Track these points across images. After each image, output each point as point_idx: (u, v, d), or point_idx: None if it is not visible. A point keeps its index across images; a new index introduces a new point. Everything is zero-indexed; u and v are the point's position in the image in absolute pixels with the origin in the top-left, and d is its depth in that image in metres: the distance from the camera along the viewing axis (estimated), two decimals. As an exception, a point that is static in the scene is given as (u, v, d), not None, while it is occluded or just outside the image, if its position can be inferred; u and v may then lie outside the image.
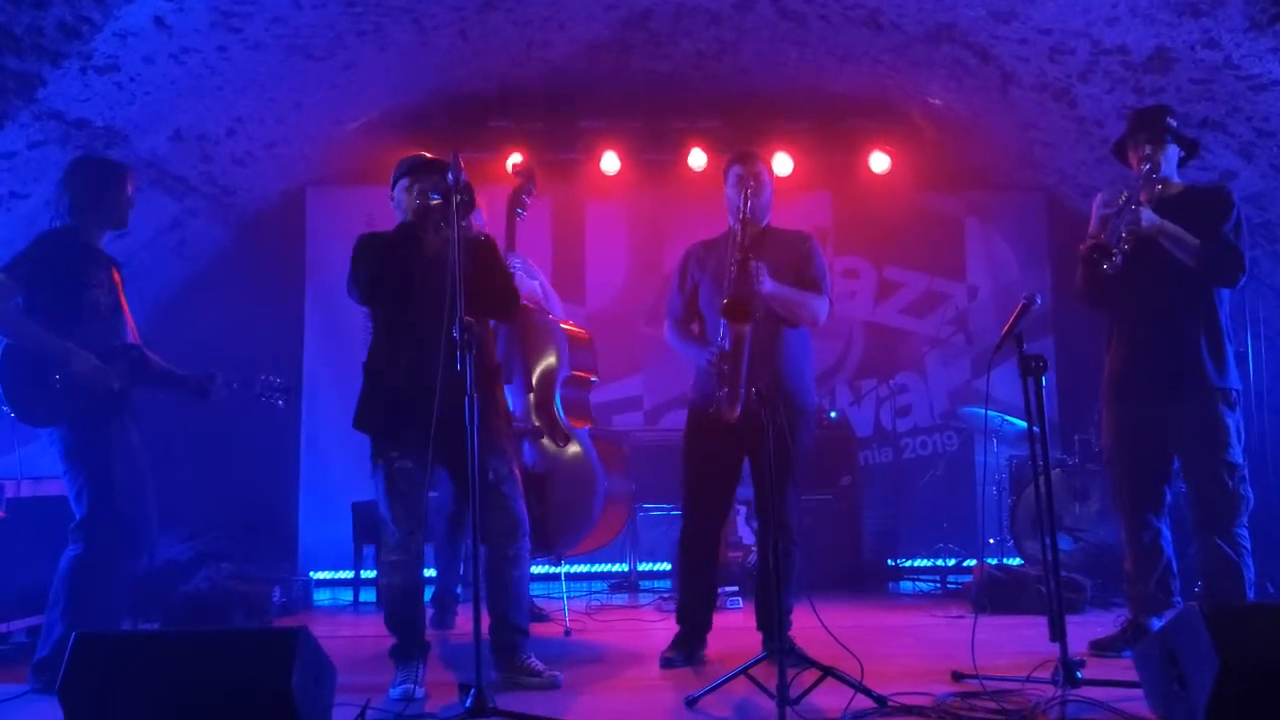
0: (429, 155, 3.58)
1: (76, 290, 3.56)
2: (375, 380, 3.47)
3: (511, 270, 4.65)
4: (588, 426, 4.63)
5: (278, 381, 4.06)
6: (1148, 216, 3.60)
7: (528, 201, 4.80)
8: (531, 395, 4.52)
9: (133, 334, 3.76)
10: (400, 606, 3.42)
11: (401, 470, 3.37)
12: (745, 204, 3.67)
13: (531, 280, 4.83)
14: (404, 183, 3.52)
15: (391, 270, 3.38)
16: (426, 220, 3.37)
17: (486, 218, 4.66)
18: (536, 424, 4.49)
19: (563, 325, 4.68)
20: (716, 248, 3.91)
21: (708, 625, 3.84)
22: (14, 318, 3.46)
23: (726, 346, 3.58)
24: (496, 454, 3.49)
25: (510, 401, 4.52)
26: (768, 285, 3.59)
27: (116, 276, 3.73)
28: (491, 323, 3.81)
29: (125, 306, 3.74)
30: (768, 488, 3.21)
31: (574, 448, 4.48)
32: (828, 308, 3.85)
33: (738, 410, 3.61)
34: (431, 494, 3.90)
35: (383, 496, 3.41)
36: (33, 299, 3.49)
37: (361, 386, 3.51)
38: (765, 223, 3.86)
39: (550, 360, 4.55)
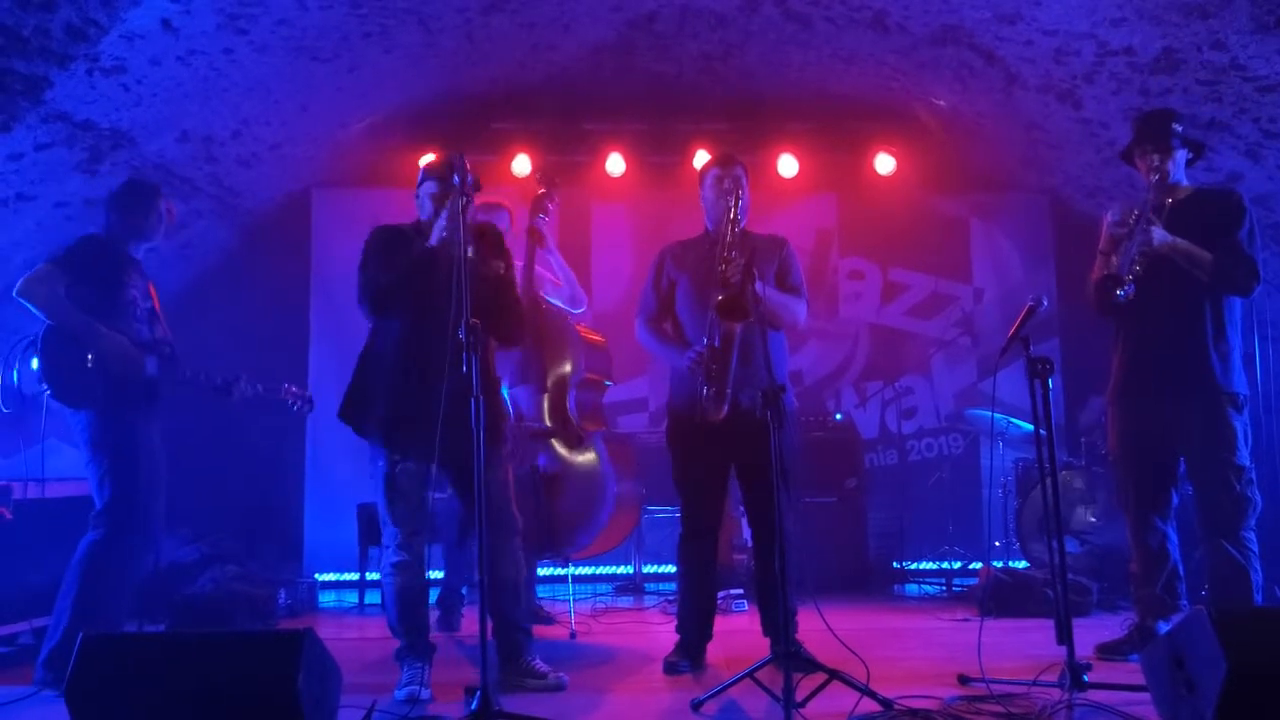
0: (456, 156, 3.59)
1: (115, 288, 3.77)
2: (372, 379, 3.46)
3: (538, 226, 4.67)
4: (600, 429, 4.63)
5: (297, 390, 4.28)
6: (1159, 235, 3.60)
7: (550, 207, 4.83)
8: (546, 396, 4.53)
9: (166, 335, 3.97)
10: (404, 607, 3.42)
11: (404, 471, 3.37)
12: (735, 204, 3.68)
13: (557, 262, 4.90)
14: (428, 185, 3.54)
15: (403, 290, 3.38)
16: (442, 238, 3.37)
17: (512, 219, 4.71)
18: (549, 425, 4.50)
19: (579, 329, 4.70)
20: (694, 248, 3.91)
21: (708, 636, 3.83)
22: (56, 301, 3.65)
23: (715, 344, 3.58)
24: (491, 454, 3.49)
25: (525, 402, 4.55)
26: (759, 285, 3.58)
27: (152, 289, 3.95)
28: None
29: (160, 312, 3.97)
30: (766, 491, 3.18)
31: (586, 450, 4.49)
32: (805, 313, 3.87)
33: (724, 410, 3.60)
34: (440, 495, 3.91)
35: (384, 497, 3.41)
36: (75, 291, 3.68)
37: (353, 378, 3.50)
38: (742, 226, 3.83)
39: (567, 362, 4.57)
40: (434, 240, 3.37)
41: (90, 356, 3.64)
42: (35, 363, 3.73)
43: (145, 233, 3.93)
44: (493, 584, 3.46)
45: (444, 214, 3.35)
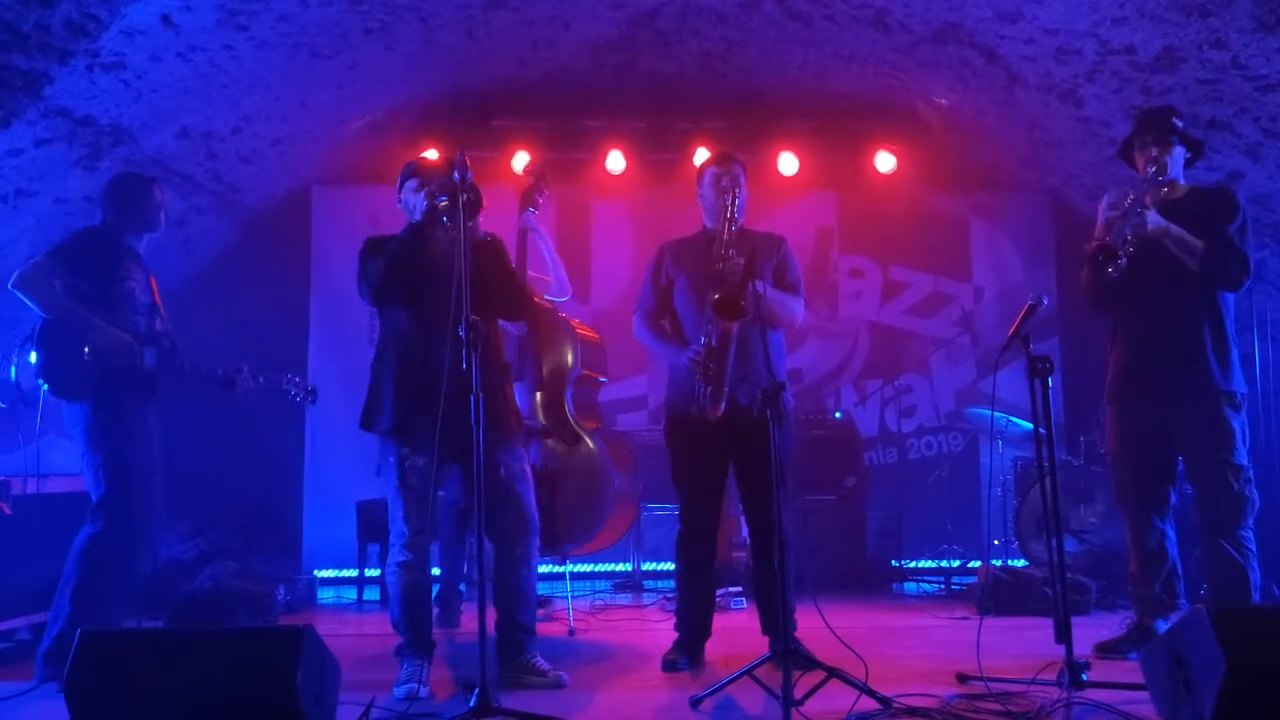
0: (436, 156, 3.60)
1: (112, 281, 3.76)
2: (383, 379, 3.47)
3: (529, 226, 4.64)
4: (596, 427, 4.63)
5: (299, 381, 4.29)
6: (1153, 219, 3.60)
7: (540, 200, 4.79)
8: (540, 394, 4.52)
9: (166, 328, 3.95)
10: (407, 605, 3.42)
11: (412, 468, 3.37)
12: (732, 204, 3.67)
13: (543, 244, 4.85)
14: (412, 184, 3.53)
15: (400, 269, 3.39)
16: (434, 220, 3.38)
17: (484, 220, 4.66)
18: (544, 423, 4.49)
19: (574, 326, 4.70)
20: (692, 246, 3.90)
21: (707, 633, 3.82)
22: (52, 295, 3.64)
23: (713, 343, 3.58)
24: (508, 451, 3.50)
25: (520, 400, 4.53)
26: (760, 284, 3.58)
27: (154, 283, 3.93)
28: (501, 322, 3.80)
29: (160, 306, 3.94)
30: (764, 489, 3.18)
31: (583, 447, 4.49)
32: (803, 311, 3.86)
33: (721, 408, 3.60)
34: (440, 492, 3.91)
35: (393, 494, 3.41)
36: (72, 284, 3.67)
37: (369, 386, 3.51)
38: (740, 224, 3.79)
39: (563, 360, 4.56)
40: (418, 215, 3.39)
41: (86, 349, 3.63)
42: (34, 356, 3.71)
43: (146, 224, 3.92)
44: (504, 584, 3.47)
45: (424, 199, 3.37)
